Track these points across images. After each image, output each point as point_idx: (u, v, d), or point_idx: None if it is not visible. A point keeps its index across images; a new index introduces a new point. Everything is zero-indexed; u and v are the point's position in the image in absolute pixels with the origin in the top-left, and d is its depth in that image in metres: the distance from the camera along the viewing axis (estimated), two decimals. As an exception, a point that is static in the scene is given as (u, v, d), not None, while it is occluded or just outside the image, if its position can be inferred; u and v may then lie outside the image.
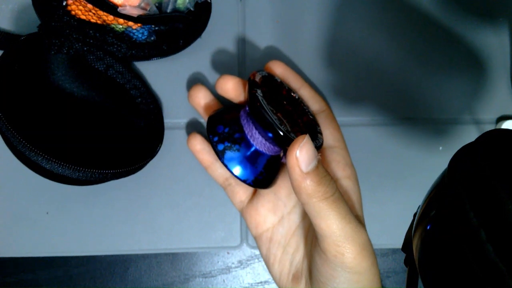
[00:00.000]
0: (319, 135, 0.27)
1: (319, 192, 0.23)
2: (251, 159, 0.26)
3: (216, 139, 0.26)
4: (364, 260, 0.24)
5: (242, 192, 0.31)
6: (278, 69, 0.30)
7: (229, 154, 0.26)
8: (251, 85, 0.25)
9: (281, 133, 0.24)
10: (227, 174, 0.31)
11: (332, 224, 0.23)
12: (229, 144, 0.26)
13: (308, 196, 0.23)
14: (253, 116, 0.25)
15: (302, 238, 0.29)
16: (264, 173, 0.27)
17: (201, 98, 0.31)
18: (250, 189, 0.31)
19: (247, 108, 0.27)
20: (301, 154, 0.22)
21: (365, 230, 0.25)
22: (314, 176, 0.23)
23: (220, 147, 0.26)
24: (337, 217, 0.23)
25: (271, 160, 0.27)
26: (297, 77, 0.30)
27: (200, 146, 0.31)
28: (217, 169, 0.31)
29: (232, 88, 0.29)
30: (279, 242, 0.29)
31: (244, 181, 0.26)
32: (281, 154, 0.29)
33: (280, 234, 0.29)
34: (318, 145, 0.26)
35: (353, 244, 0.24)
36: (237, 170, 0.26)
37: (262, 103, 0.24)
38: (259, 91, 0.25)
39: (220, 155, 0.26)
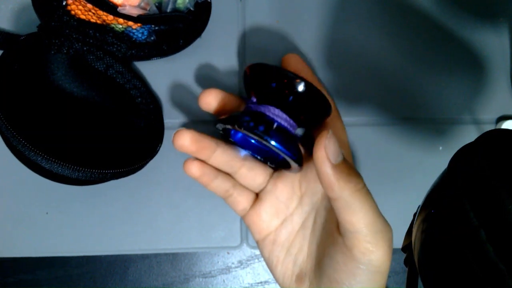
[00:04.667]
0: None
1: (351, 183, 0.23)
2: (286, 136, 0.26)
3: (252, 124, 0.25)
4: (388, 258, 0.24)
5: (244, 200, 0.30)
6: (294, 62, 0.30)
7: (272, 132, 0.25)
8: (259, 65, 0.26)
9: (306, 82, 0.24)
10: (227, 186, 0.30)
11: (365, 218, 0.23)
12: (265, 124, 0.25)
13: (341, 189, 0.23)
14: (270, 88, 0.26)
15: (306, 238, 0.29)
16: (298, 151, 0.27)
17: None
18: (251, 197, 0.30)
19: (253, 99, 0.27)
20: (329, 147, 0.22)
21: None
22: (344, 168, 0.23)
23: (262, 128, 0.25)
24: (369, 210, 0.23)
25: (295, 139, 0.27)
26: (311, 74, 0.30)
27: (199, 172, 0.29)
28: (218, 183, 0.29)
29: (215, 100, 0.28)
30: (282, 244, 0.29)
31: (293, 157, 0.25)
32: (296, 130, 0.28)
33: (283, 236, 0.29)
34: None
35: (383, 240, 0.23)
36: (284, 146, 0.25)
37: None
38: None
39: (264, 136, 0.25)
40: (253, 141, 0.29)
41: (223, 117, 0.27)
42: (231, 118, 0.26)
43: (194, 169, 0.28)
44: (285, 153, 0.25)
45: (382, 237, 0.23)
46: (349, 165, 0.23)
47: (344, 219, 0.23)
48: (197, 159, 0.29)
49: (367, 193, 0.23)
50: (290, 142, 0.26)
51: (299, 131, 0.28)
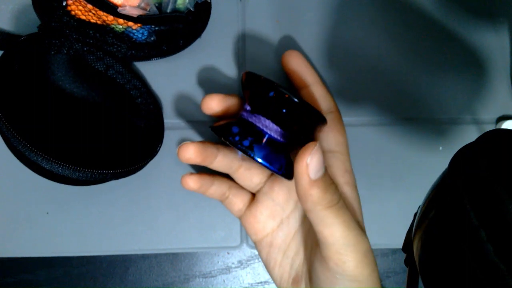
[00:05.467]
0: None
1: (325, 200, 0.23)
2: (274, 149, 0.26)
3: (237, 138, 0.25)
4: (365, 268, 0.24)
5: (239, 201, 0.30)
6: (296, 59, 0.30)
7: (256, 147, 0.25)
8: (252, 75, 0.26)
9: (297, 100, 0.24)
10: (223, 189, 0.30)
11: (336, 232, 0.23)
12: (252, 138, 0.25)
13: (314, 204, 0.23)
14: (263, 99, 0.25)
15: (302, 241, 0.29)
16: (287, 163, 0.27)
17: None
18: (247, 198, 0.31)
19: (247, 108, 0.27)
20: (311, 161, 0.22)
21: (367, 237, 0.25)
22: (321, 183, 0.23)
23: (246, 143, 0.25)
24: (340, 225, 0.23)
25: (287, 150, 0.27)
26: (312, 72, 0.30)
27: (197, 185, 0.29)
28: (215, 189, 0.30)
29: (217, 105, 0.29)
30: (279, 247, 0.29)
31: (278, 171, 0.26)
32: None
33: (280, 238, 0.29)
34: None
35: (355, 252, 0.24)
36: (269, 161, 0.25)
37: (275, 82, 0.25)
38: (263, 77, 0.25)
39: (248, 151, 0.25)
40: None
41: (215, 124, 0.28)
42: (220, 128, 0.27)
43: (192, 183, 0.29)
44: (268, 168, 0.25)
45: (354, 250, 0.24)
46: (328, 181, 0.23)
47: (317, 230, 0.24)
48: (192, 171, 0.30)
49: (341, 208, 0.24)
50: (278, 155, 0.26)
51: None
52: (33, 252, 0.33)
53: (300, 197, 0.23)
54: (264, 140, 0.26)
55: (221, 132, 0.26)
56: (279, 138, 0.26)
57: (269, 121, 0.26)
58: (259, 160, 0.25)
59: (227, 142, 0.26)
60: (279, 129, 0.26)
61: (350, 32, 0.35)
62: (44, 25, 0.30)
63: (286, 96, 0.24)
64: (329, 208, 0.23)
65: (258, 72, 0.31)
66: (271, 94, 0.25)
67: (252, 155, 0.25)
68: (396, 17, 0.35)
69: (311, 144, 0.23)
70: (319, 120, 0.26)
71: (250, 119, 0.26)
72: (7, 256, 0.33)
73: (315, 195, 0.23)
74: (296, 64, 0.30)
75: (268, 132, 0.26)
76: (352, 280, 0.24)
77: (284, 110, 0.25)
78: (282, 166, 0.26)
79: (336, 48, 0.35)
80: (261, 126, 0.26)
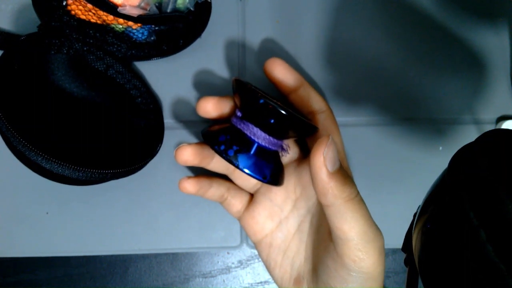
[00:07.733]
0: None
1: (345, 193, 0.23)
2: (261, 157, 0.26)
3: (223, 147, 0.25)
4: (380, 265, 0.24)
5: (238, 202, 0.30)
6: (278, 67, 0.29)
7: (241, 157, 0.25)
8: (240, 83, 0.26)
9: (284, 112, 0.24)
10: (222, 191, 0.30)
11: (356, 227, 0.23)
12: (238, 148, 0.25)
13: (334, 197, 0.22)
14: (252, 108, 0.25)
15: (302, 241, 0.29)
16: (275, 170, 0.27)
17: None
18: (245, 199, 0.31)
19: (238, 114, 0.27)
20: (328, 154, 0.22)
21: (381, 232, 0.25)
22: (340, 176, 0.23)
23: (231, 152, 0.25)
24: (360, 219, 0.23)
25: (277, 156, 0.27)
26: (297, 76, 0.30)
27: (195, 189, 0.29)
28: (213, 191, 0.30)
29: (212, 108, 0.28)
30: (279, 247, 0.29)
31: (263, 180, 0.26)
32: (281, 149, 0.28)
33: (279, 239, 0.29)
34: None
35: (373, 249, 0.23)
36: (253, 170, 0.25)
37: (263, 92, 0.25)
38: (252, 85, 0.25)
39: (233, 161, 0.25)
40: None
41: (208, 129, 0.28)
42: (209, 136, 0.27)
43: (190, 187, 0.29)
44: (253, 177, 0.25)
45: (373, 246, 0.23)
46: (345, 174, 0.23)
47: (336, 226, 0.23)
48: (189, 176, 0.30)
49: (360, 202, 0.23)
50: (266, 162, 0.26)
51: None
52: (33, 252, 0.33)
53: (319, 191, 0.23)
54: (253, 148, 0.26)
55: (208, 140, 0.26)
56: (267, 145, 0.26)
57: (258, 129, 0.26)
58: (244, 170, 0.25)
59: (214, 151, 0.26)
60: (267, 137, 0.26)
61: (350, 32, 0.35)
62: (44, 24, 0.30)
63: (270, 107, 0.24)
64: (350, 201, 0.23)
65: (258, 73, 0.31)
66: (259, 103, 0.25)
67: (236, 164, 0.25)
68: (396, 17, 0.35)
69: (324, 137, 0.22)
70: (310, 129, 0.26)
71: (239, 126, 0.26)
72: (7, 256, 0.33)
73: (335, 188, 0.22)
74: (280, 72, 0.29)
75: (257, 140, 0.26)
76: (367, 278, 0.24)
77: (272, 121, 0.25)
78: (269, 174, 0.26)
79: (336, 48, 0.35)
80: (249, 134, 0.26)
